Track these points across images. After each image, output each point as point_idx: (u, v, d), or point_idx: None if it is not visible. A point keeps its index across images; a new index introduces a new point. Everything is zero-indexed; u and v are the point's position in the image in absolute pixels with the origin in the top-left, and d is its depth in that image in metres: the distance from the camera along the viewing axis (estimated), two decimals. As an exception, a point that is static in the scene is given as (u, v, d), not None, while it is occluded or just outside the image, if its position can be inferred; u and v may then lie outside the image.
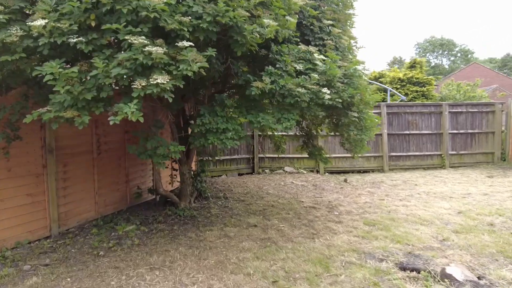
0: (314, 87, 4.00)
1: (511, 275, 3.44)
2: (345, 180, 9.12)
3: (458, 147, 11.15)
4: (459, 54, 48.99)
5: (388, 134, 10.82)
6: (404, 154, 11.04)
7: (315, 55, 4.26)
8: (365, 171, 10.77)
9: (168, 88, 2.67)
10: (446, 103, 11.18)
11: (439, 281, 3.34)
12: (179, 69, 2.77)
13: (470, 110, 11.15)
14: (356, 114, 4.93)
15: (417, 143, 11.07)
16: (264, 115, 4.06)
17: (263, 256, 4.07)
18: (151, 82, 2.61)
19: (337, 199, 7.09)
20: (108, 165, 5.59)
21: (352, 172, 10.69)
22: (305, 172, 10.36)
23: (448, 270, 3.42)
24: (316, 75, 4.01)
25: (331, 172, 10.54)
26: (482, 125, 11.21)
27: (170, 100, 2.78)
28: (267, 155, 10.42)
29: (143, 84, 2.63)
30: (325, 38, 4.64)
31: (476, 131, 11.15)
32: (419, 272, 3.53)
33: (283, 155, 10.46)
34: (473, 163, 11.22)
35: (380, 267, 3.69)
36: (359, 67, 4.62)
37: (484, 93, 15.96)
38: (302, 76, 4.08)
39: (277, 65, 3.94)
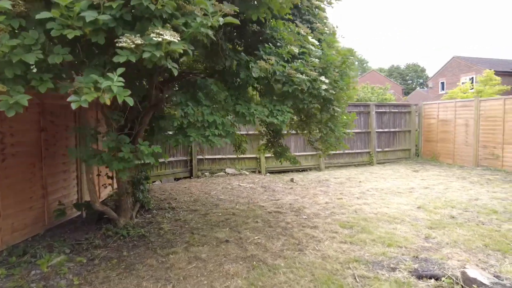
0: (314, 73, 3.35)
1: (503, 268, 3.37)
2: (292, 180, 8.76)
3: (383, 144, 11.94)
4: (356, 63, 55.00)
5: (324, 132, 10.92)
6: (338, 152, 11.28)
7: (309, 37, 3.62)
8: (303, 170, 10.65)
9: (181, 51, 1.65)
10: (374, 104, 11.87)
11: (466, 286, 3.03)
12: (193, 23, 1.76)
13: (392, 110, 12.07)
14: (339, 110, 4.47)
15: (349, 141, 11.46)
16: (256, 106, 3.24)
17: (258, 282, 3.25)
18: (154, 39, 1.57)
19: (295, 200, 6.61)
20: (17, 175, 3.97)
21: (292, 171, 10.46)
22: (247, 173, 9.70)
23: (470, 274, 3.14)
24: (316, 60, 3.37)
25: (272, 172, 10.12)
26: (401, 124, 12.25)
27: (175, 73, 1.76)
28: (207, 157, 9.42)
29: (138, 42, 1.57)
30: (313, 21, 4.04)
31: (397, 129, 12.12)
32: (437, 279, 3.19)
33: (223, 156, 9.63)
34: (395, 159, 12.17)
35: (398, 279, 3.23)
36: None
37: (392, 96, 17.75)
38: (299, 60, 3.39)
39: (278, 44, 3.16)
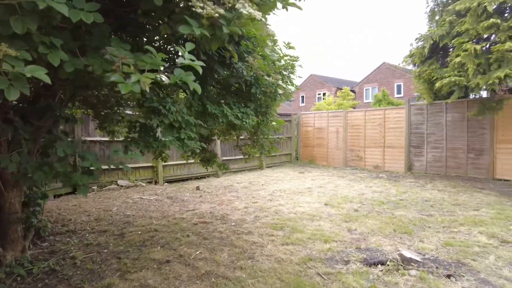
0: (278, 76, 3.34)
1: (431, 246, 4.15)
2: (198, 188, 8.40)
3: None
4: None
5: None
6: (233, 158, 11.51)
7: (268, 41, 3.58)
8: (202, 177, 10.38)
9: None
10: (262, 111, 12.62)
11: (406, 265, 3.53)
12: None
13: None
14: (275, 114, 4.57)
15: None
16: (226, 108, 2.98)
17: (232, 298, 2.95)
18: (243, 12, 1.23)
19: (213, 208, 6.36)
20: None
21: (190, 179, 10.04)
22: (144, 184, 8.76)
23: (406, 255, 3.68)
24: (280, 63, 3.36)
25: (170, 182, 9.47)
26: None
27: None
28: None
29: (221, 11, 1.21)
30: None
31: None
32: (383, 264, 3.61)
33: (113, 166, 8.40)
34: (280, 163, 13.24)
35: (355, 269, 3.49)
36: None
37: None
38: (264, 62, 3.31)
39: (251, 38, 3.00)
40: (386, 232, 4.75)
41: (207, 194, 7.83)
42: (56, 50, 1.18)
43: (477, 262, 3.66)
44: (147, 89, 1.19)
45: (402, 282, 3.21)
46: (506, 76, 7.15)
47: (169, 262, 3.78)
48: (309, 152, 13.70)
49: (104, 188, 8.04)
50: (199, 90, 1.30)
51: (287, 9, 1.91)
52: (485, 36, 7.86)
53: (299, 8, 1.82)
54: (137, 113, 3.00)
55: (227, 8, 1.27)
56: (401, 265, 3.54)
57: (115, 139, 5.05)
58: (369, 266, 3.59)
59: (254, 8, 1.31)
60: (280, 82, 3.47)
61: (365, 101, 31.09)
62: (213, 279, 3.35)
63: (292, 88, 4.02)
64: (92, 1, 1.20)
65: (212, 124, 2.93)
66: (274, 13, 1.86)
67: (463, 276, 3.31)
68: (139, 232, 4.88)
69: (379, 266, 3.57)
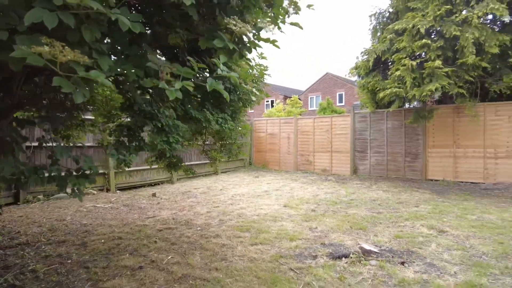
0: (254, 84, 3.55)
1: (385, 239, 4.64)
2: (154, 195, 8.20)
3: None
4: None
5: (175, 144, 10.80)
6: (188, 163, 11.40)
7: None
8: (156, 184, 10.13)
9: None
10: (217, 117, 12.71)
11: (367, 257, 3.93)
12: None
13: (232, 124, 13.31)
14: (242, 119, 4.76)
15: (198, 152, 11.79)
16: (208, 112, 3.11)
17: (214, 296, 3.05)
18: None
19: (175, 214, 6.31)
20: None
21: (143, 186, 9.74)
22: (95, 192, 8.30)
23: (366, 247, 4.10)
24: (255, 70, 3.57)
25: (123, 189, 9.10)
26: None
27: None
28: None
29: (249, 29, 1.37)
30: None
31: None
32: (347, 257, 3.97)
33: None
34: (234, 167, 13.41)
35: (324, 263, 3.79)
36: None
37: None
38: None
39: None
40: (344, 229, 5.18)
41: (165, 200, 7.70)
42: (105, 56, 1.22)
43: (422, 249, 4.20)
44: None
45: (365, 271, 3.58)
46: (436, 89, 8.20)
47: (142, 268, 3.73)
48: (262, 157, 14.08)
49: (52, 197, 7.48)
50: (228, 97, 1.44)
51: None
52: (419, 53, 8.93)
53: (300, 28, 2.05)
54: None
55: (252, 25, 1.44)
56: (363, 257, 3.93)
57: (70, 144, 4.80)
58: (335, 259, 3.93)
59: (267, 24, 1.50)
60: (254, 90, 3.68)
61: (309, 108, 32.69)
62: (191, 281, 3.40)
63: (262, 95, 4.25)
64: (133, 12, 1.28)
65: (194, 129, 3.02)
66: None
67: (414, 262, 3.80)
68: (102, 241, 4.70)
69: (344, 258, 3.92)
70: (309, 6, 2.52)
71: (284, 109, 19.13)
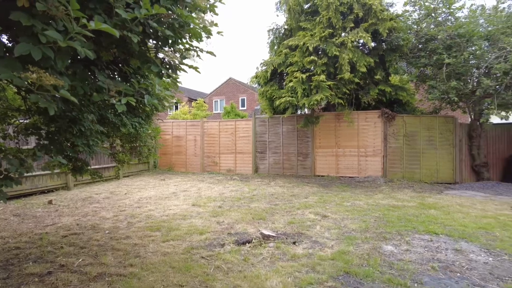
0: (168, 91, 3.91)
1: (280, 225, 5.48)
2: (50, 202, 7.60)
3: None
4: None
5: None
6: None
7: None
8: (50, 191, 9.27)
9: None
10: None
11: (266, 240, 4.67)
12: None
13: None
14: (153, 122, 5.02)
15: (96, 156, 11.17)
16: (123, 117, 3.36)
17: None
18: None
19: (78, 220, 6.08)
20: None
21: (35, 193, 8.83)
22: (-28, 203, 7.24)
23: (265, 232, 4.84)
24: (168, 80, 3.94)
25: (8, 198, 8.10)
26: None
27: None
28: None
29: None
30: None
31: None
32: (251, 242, 4.64)
33: None
34: (138, 171, 13.08)
35: (231, 249, 4.37)
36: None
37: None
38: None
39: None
40: (247, 220, 5.87)
41: (64, 207, 7.24)
42: (64, 77, 1.44)
43: (309, 231, 5.17)
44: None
45: (265, 252, 4.29)
46: (321, 99, 9.72)
47: (51, 273, 3.70)
48: (167, 160, 14.05)
49: None
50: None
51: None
52: (308, 68, 10.39)
53: (214, 55, 2.51)
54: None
55: (181, 54, 1.84)
56: (263, 241, 4.65)
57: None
58: (240, 245, 4.55)
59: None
60: (167, 96, 4.03)
61: (214, 112, 33.44)
62: (107, 278, 3.56)
63: (174, 100, 4.60)
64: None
65: (110, 132, 3.22)
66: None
67: (303, 241, 4.69)
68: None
69: (247, 244, 4.57)
70: (219, 32, 3.06)
71: (189, 112, 19.33)
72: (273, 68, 10.93)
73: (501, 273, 3.70)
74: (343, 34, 10.58)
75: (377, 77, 10.98)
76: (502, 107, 9.50)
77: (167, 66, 1.93)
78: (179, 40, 1.93)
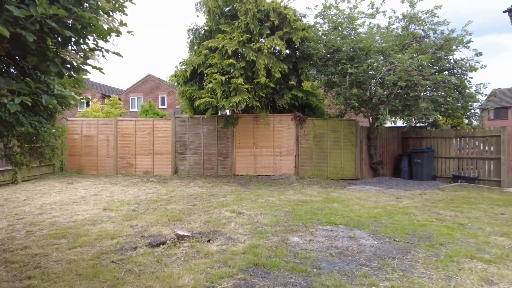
0: (74, 89, 3.71)
1: (197, 225, 5.57)
2: None
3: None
4: None
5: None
6: (-28, 172, 9.25)
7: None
8: None
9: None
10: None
11: (181, 240, 4.72)
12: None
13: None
14: (57, 121, 4.67)
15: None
16: (20, 115, 3.11)
17: None
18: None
19: (-39, 233, 5.28)
20: None
21: None
22: None
23: (180, 233, 4.89)
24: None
25: None
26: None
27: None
28: None
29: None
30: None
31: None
32: (165, 243, 4.64)
33: None
34: (41, 175, 11.74)
35: (143, 252, 4.32)
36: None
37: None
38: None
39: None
40: (162, 222, 5.82)
41: None
42: None
43: (225, 228, 5.38)
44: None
45: (179, 252, 4.34)
46: (240, 101, 10.07)
47: None
48: (76, 161, 12.89)
49: None
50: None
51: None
52: (227, 70, 10.64)
53: (121, 56, 2.47)
54: None
55: (85, 54, 1.79)
56: (177, 241, 4.69)
57: None
58: (154, 247, 4.52)
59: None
60: (73, 93, 3.80)
61: (131, 110, 31.65)
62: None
63: (81, 98, 4.35)
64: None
65: (3, 132, 2.91)
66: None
67: (217, 238, 4.87)
68: None
69: (161, 245, 4.57)
70: (129, 32, 3.05)
71: (102, 109, 17.96)
72: (192, 68, 10.91)
73: (382, 253, 4.40)
74: (261, 39, 11.11)
75: (291, 82, 11.79)
76: (392, 113, 11.08)
77: (68, 66, 1.87)
78: (81, 41, 1.90)
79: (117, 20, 2.99)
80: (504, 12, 11.63)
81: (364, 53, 11.22)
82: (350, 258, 4.22)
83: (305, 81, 13.20)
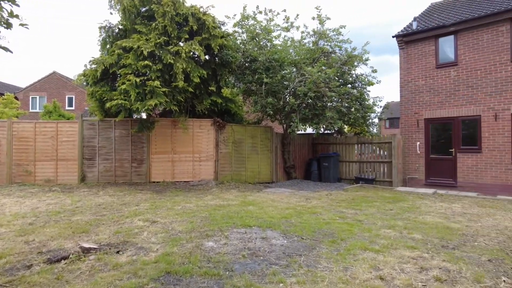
0: None
1: (105, 236, 5.21)
2: None
3: None
4: None
5: None
6: None
7: None
8: None
9: None
10: None
11: (87, 254, 4.38)
12: None
13: None
14: None
15: None
16: None
17: None
18: None
19: None
20: None
21: None
22: None
23: (85, 245, 4.54)
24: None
25: None
26: None
27: None
28: None
29: None
30: None
31: None
32: (67, 258, 4.25)
33: None
34: None
35: (40, 269, 3.88)
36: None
37: None
38: None
39: None
40: (66, 235, 5.31)
41: None
42: None
43: (136, 238, 5.15)
44: None
45: (84, 266, 4.03)
46: (156, 104, 9.75)
47: None
48: (-46, 170, 10.85)
49: None
50: None
51: None
52: (143, 72, 10.21)
53: (10, 52, 2.19)
54: None
55: None
56: (83, 255, 4.34)
57: None
58: (53, 263, 4.10)
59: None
60: None
61: (31, 110, 27.92)
62: None
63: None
64: None
65: None
66: None
67: (128, 249, 4.64)
68: None
69: (63, 260, 4.17)
70: (22, 25, 2.78)
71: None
72: (104, 67, 10.18)
73: (291, 251, 4.74)
74: (180, 43, 10.96)
75: (211, 88, 11.87)
76: (303, 121, 11.98)
77: None
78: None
79: (6, 10, 2.71)
80: (393, 37, 13.59)
81: (279, 64, 11.93)
82: (261, 258, 4.45)
83: (224, 87, 13.42)
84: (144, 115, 12.32)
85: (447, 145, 12.28)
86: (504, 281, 3.70)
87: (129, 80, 9.59)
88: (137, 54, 9.94)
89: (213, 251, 4.63)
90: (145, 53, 9.71)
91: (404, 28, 13.70)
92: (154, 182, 11.79)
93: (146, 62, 9.71)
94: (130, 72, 9.85)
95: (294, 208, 7.78)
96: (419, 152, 12.88)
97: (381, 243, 5.08)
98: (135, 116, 12.18)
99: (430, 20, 13.33)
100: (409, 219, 6.74)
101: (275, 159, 13.28)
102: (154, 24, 10.36)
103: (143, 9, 11.34)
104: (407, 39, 13.18)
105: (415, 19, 13.66)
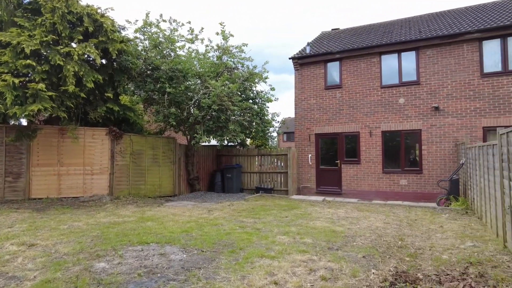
0: None
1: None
2: None
3: None
4: None
5: None
6: None
7: None
8: None
9: None
10: None
11: None
12: None
13: None
14: None
15: None
16: None
17: None
18: None
19: None
20: None
21: None
22: None
23: None
24: None
25: None
26: None
27: None
28: None
29: None
30: None
31: None
32: None
33: None
34: None
35: None
36: None
37: None
38: None
39: None
40: None
41: None
42: None
43: (6, 266, 4.40)
44: None
45: None
46: (39, 110, 8.57)
47: None
48: None
49: None
50: None
51: None
52: (24, 72, 8.89)
53: None
54: None
55: None
56: None
57: None
58: None
59: None
60: None
61: None
62: None
63: None
64: None
65: None
66: None
67: (-6, 280, 3.94)
68: None
69: None
70: None
71: None
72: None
73: (190, 265, 4.69)
74: (72, 44, 9.94)
75: (108, 94, 11.03)
76: (207, 133, 12.07)
77: None
78: None
79: None
80: (289, 58, 14.93)
81: (183, 75, 11.85)
82: (158, 275, 4.30)
83: (123, 94, 12.63)
84: (24, 122, 10.68)
85: (334, 157, 13.95)
86: (373, 273, 4.38)
87: (4, 81, 8.23)
88: (16, 51, 8.63)
89: (105, 272, 4.28)
90: (27, 51, 8.50)
91: (299, 51, 15.16)
92: (35, 199, 10.21)
93: (28, 61, 8.50)
94: (6, 71, 8.47)
95: (196, 221, 7.73)
96: (311, 163, 14.28)
97: (276, 249, 5.44)
98: (12, 122, 10.44)
99: (321, 47, 15.10)
100: (302, 225, 7.39)
101: (178, 171, 13.00)
102: (40, 20, 9.17)
103: (26, 1, 9.96)
104: (302, 61, 14.63)
105: (308, 44, 15.28)
